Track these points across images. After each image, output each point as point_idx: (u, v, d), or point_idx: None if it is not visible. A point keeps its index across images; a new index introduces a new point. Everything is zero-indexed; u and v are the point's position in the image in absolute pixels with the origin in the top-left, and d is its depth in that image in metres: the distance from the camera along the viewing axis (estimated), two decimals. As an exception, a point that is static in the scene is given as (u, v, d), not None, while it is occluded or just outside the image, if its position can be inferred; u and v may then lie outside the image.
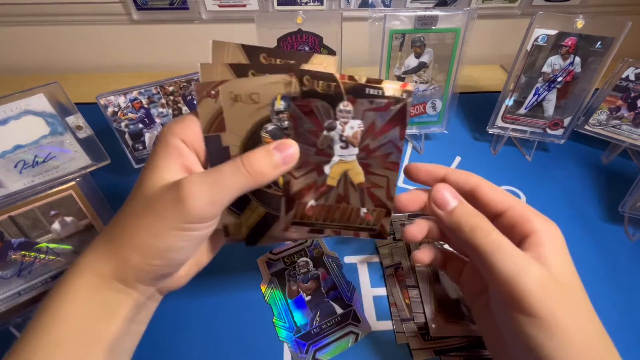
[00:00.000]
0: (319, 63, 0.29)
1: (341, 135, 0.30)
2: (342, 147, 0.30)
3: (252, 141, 0.29)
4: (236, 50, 0.27)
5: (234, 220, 0.31)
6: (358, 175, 0.31)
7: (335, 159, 0.31)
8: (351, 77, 0.28)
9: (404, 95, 0.28)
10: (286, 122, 0.28)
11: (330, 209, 0.32)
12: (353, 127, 0.30)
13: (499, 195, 0.29)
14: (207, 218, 0.25)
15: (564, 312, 0.23)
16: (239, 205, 0.30)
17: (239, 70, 0.27)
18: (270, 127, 0.28)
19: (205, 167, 0.28)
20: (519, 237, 0.27)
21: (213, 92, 0.27)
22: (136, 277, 0.26)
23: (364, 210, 0.32)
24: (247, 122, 0.28)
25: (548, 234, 0.26)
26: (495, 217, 0.28)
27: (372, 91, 0.28)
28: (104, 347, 0.25)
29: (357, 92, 0.28)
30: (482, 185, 0.29)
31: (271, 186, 0.31)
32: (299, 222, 0.32)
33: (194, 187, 0.24)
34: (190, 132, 0.27)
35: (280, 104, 0.28)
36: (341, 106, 0.28)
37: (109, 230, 0.27)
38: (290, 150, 0.28)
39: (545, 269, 0.24)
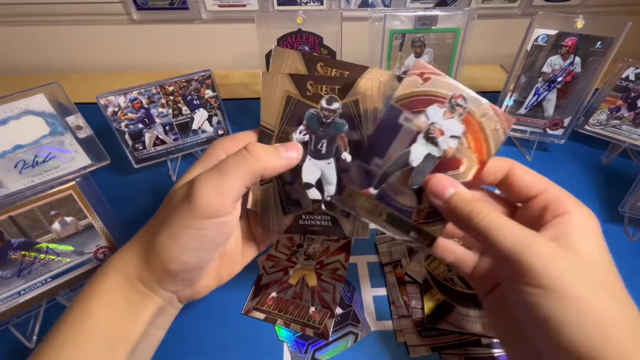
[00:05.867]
0: (375, 77, 0.29)
1: (306, 251, 0.45)
2: (304, 259, 0.44)
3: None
4: (295, 58, 0.29)
5: (356, 190, 0.31)
6: (312, 280, 0.42)
7: (298, 265, 0.44)
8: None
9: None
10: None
11: (286, 303, 0.41)
12: (315, 248, 0.45)
13: (532, 178, 0.28)
14: (214, 211, 0.25)
15: (577, 284, 0.22)
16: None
17: (298, 81, 0.29)
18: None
19: None
20: (549, 219, 0.26)
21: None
22: (156, 279, 0.26)
23: (312, 308, 0.40)
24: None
25: (579, 217, 0.25)
26: (528, 200, 0.28)
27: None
28: (128, 345, 0.26)
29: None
30: (515, 169, 0.29)
31: (449, 280, 0.41)
32: (260, 308, 0.40)
33: (200, 180, 0.25)
34: (237, 147, 0.27)
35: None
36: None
37: (141, 232, 0.28)
38: (291, 144, 0.29)
39: (556, 245, 0.24)
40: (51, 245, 0.37)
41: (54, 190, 0.36)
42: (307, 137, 0.30)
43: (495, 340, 0.38)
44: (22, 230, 0.36)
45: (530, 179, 0.28)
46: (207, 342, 0.38)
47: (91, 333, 0.25)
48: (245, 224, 0.33)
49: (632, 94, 0.52)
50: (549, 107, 0.53)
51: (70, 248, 0.38)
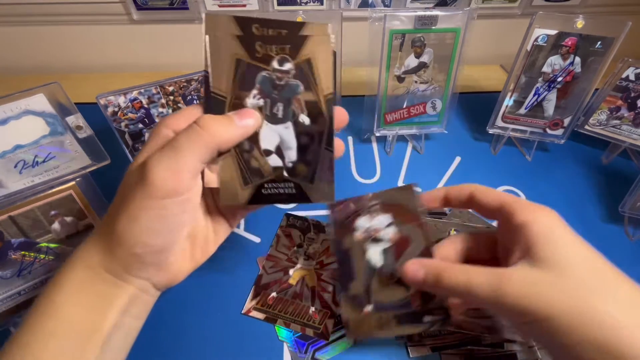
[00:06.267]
0: (320, 33, 0.28)
1: (306, 251, 0.45)
2: (304, 259, 0.44)
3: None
4: (229, 23, 0.27)
5: (358, 316, 0.33)
6: (312, 280, 0.43)
7: (298, 265, 0.44)
8: None
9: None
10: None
11: (286, 302, 0.41)
12: (315, 248, 0.45)
13: (491, 196, 0.30)
14: (172, 190, 0.24)
15: (566, 301, 0.23)
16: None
17: (246, 42, 0.27)
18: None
19: None
20: (512, 232, 0.27)
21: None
22: (124, 268, 0.26)
23: (312, 309, 0.40)
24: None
25: (537, 225, 0.26)
26: (495, 214, 0.30)
27: None
28: (99, 338, 0.25)
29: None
30: (475, 192, 0.31)
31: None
32: (260, 308, 0.40)
33: (153, 159, 0.24)
34: (183, 123, 0.26)
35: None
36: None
37: (101, 223, 0.27)
38: (246, 111, 0.28)
39: (526, 266, 0.25)
40: (51, 245, 0.37)
41: (54, 190, 0.36)
42: (261, 102, 0.28)
43: (495, 340, 0.38)
44: (22, 230, 0.36)
45: (489, 199, 0.30)
46: (207, 342, 0.38)
47: (57, 329, 0.24)
48: (211, 202, 0.31)
49: (632, 94, 0.52)
50: (549, 107, 0.53)
51: (70, 248, 0.38)
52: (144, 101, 0.48)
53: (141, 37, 0.73)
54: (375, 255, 0.34)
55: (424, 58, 0.51)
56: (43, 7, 0.67)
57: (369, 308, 0.33)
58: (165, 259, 0.27)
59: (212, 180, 0.29)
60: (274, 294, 0.41)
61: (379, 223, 0.34)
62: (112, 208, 0.27)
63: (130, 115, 0.48)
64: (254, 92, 0.28)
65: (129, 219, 0.24)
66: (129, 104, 0.47)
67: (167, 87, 0.48)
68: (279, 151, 0.29)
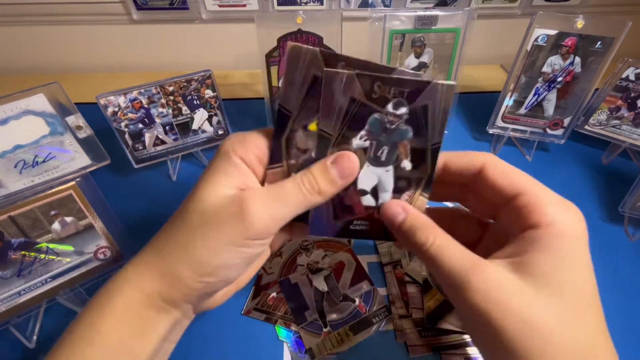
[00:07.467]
0: (434, 80, 0.26)
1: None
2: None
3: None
4: (314, 57, 0.26)
5: (319, 340, 0.38)
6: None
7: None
8: None
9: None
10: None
11: (286, 303, 0.41)
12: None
13: (508, 178, 0.25)
14: (266, 234, 0.25)
15: (523, 334, 0.20)
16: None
17: (365, 81, 0.26)
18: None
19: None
20: (517, 233, 0.24)
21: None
22: (184, 294, 0.25)
23: None
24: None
25: (553, 232, 0.22)
26: (508, 202, 0.25)
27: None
28: None
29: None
30: (488, 168, 0.26)
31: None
32: (260, 308, 0.41)
33: (256, 202, 0.24)
34: (251, 154, 0.26)
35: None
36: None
37: (156, 244, 0.26)
38: (347, 163, 0.27)
39: (509, 270, 0.22)
40: (51, 245, 0.37)
41: (54, 190, 0.36)
42: (367, 143, 0.27)
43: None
44: (22, 230, 0.36)
45: (505, 180, 0.25)
46: (207, 342, 0.38)
47: (98, 355, 0.23)
48: None
49: (632, 94, 0.52)
50: (549, 107, 0.53)
51: (70, 248, 0.38)
52: (144, 101, 0.48)
53: (141, 37, 0.73)
54: (320, 282, 0.42)
55: (424, 58, 0.51)
56: (43, 7, 0.67)
57: (326, 329, 0.38)
58: (222, 287, 0.27)
59: None
60: (274, 294, 0.41)
61: (316, 257, 0.44)
62: (180, 231, 0.25)
63: (130, 115, 0.48)
64: (362, 132, 0.27)
65: (212, 250, 0.24)
66: (129, 104, 0.47)
67: (167, 87, 0.48)
68: (374, 192, 0.29)
